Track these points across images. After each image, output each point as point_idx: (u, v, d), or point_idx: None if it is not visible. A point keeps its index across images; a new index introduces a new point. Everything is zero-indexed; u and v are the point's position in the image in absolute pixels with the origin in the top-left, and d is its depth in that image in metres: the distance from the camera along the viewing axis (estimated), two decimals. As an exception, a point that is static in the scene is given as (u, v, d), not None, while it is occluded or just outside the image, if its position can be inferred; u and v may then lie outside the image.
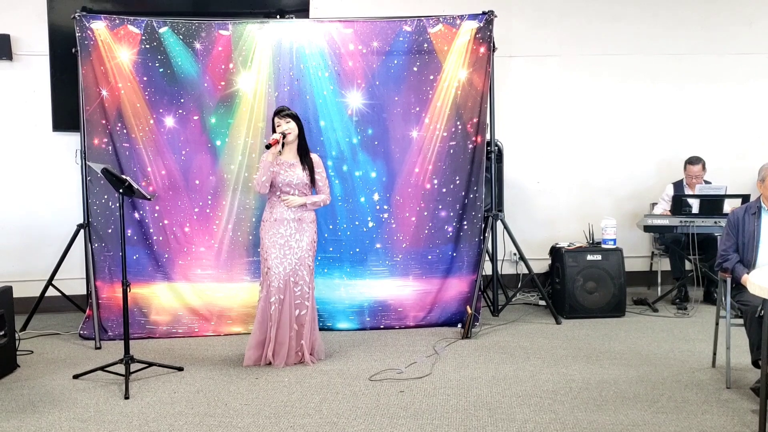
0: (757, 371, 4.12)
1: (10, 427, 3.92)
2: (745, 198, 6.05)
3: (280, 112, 5.01)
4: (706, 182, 6.85)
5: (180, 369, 4.88)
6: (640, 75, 7.40)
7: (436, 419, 3.96)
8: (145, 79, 5.82)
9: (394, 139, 6.02)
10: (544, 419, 3.93)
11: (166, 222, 5.88)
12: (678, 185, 6.92)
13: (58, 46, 6.37)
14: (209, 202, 5.91)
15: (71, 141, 6.41)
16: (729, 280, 4.50)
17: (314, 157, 5.12)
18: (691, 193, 6.75)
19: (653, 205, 7.15)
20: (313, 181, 5.04)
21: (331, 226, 5.98)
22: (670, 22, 7.39)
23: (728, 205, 6.31)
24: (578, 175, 7.44)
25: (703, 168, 6.81)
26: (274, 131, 5.00)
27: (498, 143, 6.43)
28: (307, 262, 4.98)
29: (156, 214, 5.87)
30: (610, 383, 4.49)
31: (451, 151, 6.01)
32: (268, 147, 4.90)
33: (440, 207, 6.03)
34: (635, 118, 7.44)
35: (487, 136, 6.15)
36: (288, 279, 4.92)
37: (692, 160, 6.82)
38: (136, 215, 5.86)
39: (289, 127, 4.96)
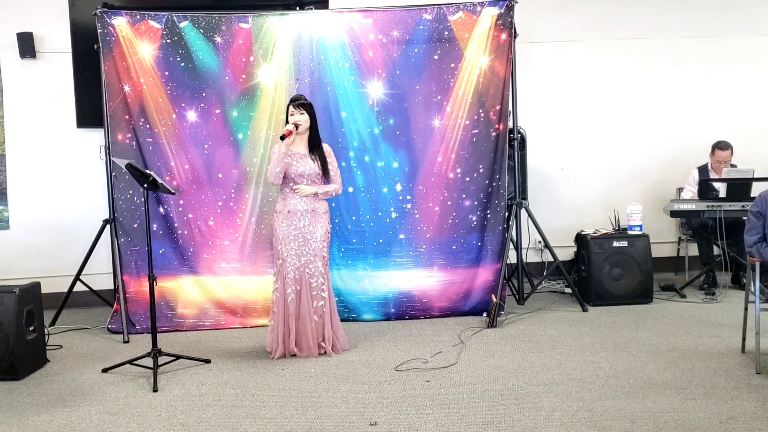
0: (789, 356, 4.07)
1: (41, 421, 3.97)
2: (774, 180, 5.96)
3: (295, 101, 4.99)
4: (732, 165, 6.75)
5: (207, 361, 4.92)
6: (664, 58, 7.30)
7: (463, 408, 3.95)
8: (166, 73, 5.85)
9: (415, 128, 5.99)
10: (572, 407, 3.90)
11: (190, 216, 5.91)
12: (703, 170, 6.81)
13: (81, 43, 6.42)
14: (233, 196, 5.93)
15: (95, 137, 6.47)
16: (758, 264, 4.43)
17: (325, 146, 5.07)
18: (717, 177, 6.65)
19: (680, 190, 7.05)
20: (325, 171, 5.00)
21: (354, 218, 5.97)
22: (694, 3, 7.28)
23: (756, 189, 6.21)
24: (602, 161, 7.37)
25: (732, 153, 6.70)
26: (287, 120, 4.99)
27: (521, 130, 6.38)
28: (322, 253, 4.96)
29: (180, 209, 5.91)
30: (638, 370, 4.45)
31: (474, 139, 5.97)
32: (282, 138, 4.89)
33: (464, 196, 6.00)
34: (659, 103, 7.34)
35: (510, 124, 6.10)
36: (303, 270, 4.92)
37: (722, 146, 6.64)
38: (161, 210, 5.90)
39: (302, 118, 4.92)
